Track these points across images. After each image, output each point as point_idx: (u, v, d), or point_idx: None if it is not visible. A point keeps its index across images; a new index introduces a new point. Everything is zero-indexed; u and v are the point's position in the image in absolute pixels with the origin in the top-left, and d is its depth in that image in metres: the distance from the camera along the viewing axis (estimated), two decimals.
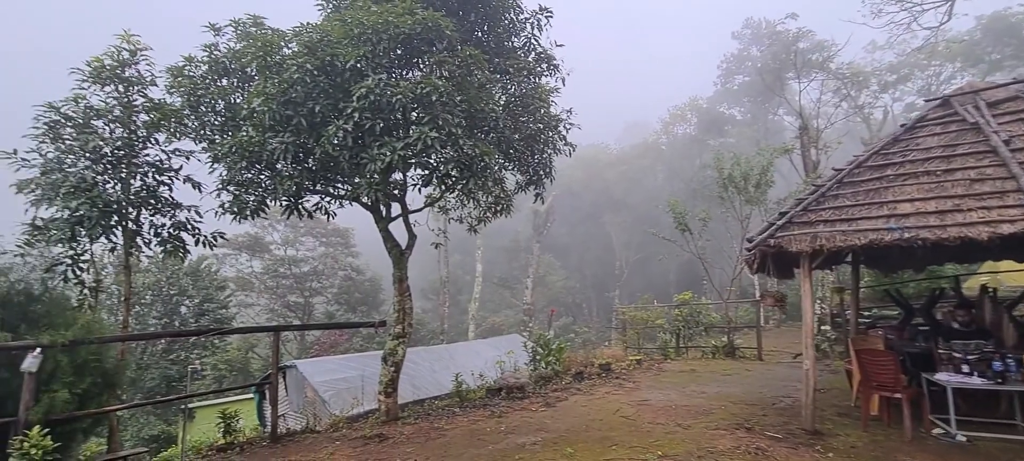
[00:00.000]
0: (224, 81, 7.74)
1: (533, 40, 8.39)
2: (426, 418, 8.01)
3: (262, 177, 7.30)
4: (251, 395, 12.72)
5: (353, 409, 9.03)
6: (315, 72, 6.33)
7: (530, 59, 8.43)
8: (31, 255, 6.16)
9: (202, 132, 7.78)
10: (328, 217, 8.14)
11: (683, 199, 19.27)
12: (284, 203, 7.10)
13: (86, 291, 6.57)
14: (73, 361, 5.57)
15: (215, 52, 7.68)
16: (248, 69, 7.39)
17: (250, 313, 28.76)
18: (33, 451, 4.69)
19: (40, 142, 6.70)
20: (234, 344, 22.73)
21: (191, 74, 7.63)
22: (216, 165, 7.57)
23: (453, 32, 6.74)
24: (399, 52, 6.92)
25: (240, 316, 25.61)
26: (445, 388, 11.37)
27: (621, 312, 19.23)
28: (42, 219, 6.43)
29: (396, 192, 8.33)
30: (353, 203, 8.31)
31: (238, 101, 7.60)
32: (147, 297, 18.38)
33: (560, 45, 8.58)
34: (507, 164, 8.73)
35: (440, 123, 6.14)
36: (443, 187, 7.49)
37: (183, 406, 13.37)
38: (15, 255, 5.98)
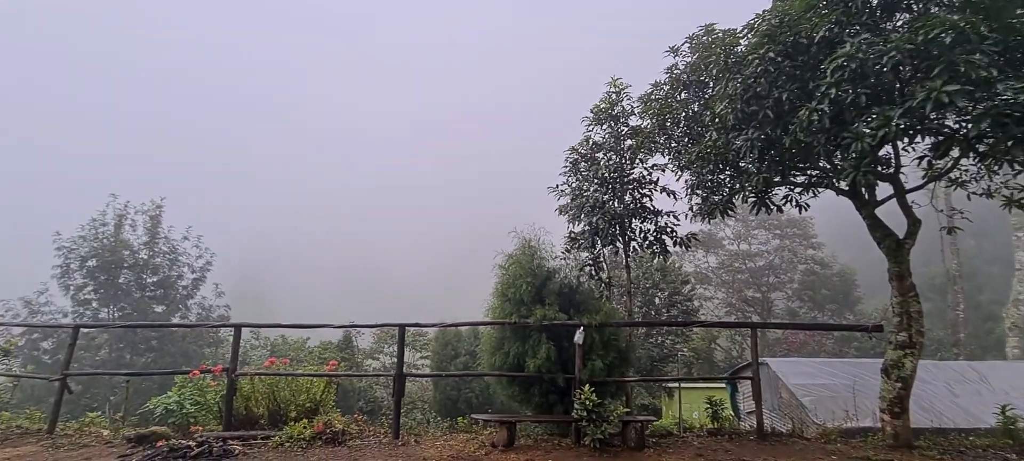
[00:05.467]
0: (683, 94, 8.49)
1: None
2: (958, 455, 6.19)
3: (726, 177, 7.54)
4: (723, 386, 13.33)
5: (846, 422, 8.00)
6: (778, 59, 6.03)
7: None
8: (569, 259, 8.52)
9: (669, 145, 8.78)
10: (800, 209, 7.53)
11: None
12: (751, 199, 7.07)
13: (603, 286, 8.57)
14: (601, 339, 7.33)
15: (675, 71, 8.53)
16: (702, 77, 7.83)
17: (709, 306, 30.27)
18: (587, 402, 6.44)
19: (568, 176, 9.26)
20: (698, 334, 24.51)
21: (656, 97, 8.77)
22: (683, 173, 8.40)
23: None
24: None
25: (702, 309, 27.35)
26: (977, 421, 8.65)
27: None
28: (573, 232, 8.86)
29: (884, 170, 6.88)
30: (824, 190, 7.40)
31: (696, 110, 8.17)
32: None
33: None
34: None
35: (960, 70, 4.65)
36: (971, 153, 5.61)
37: (670, 385, 15.43)
38: (562, 259, 8.44)
